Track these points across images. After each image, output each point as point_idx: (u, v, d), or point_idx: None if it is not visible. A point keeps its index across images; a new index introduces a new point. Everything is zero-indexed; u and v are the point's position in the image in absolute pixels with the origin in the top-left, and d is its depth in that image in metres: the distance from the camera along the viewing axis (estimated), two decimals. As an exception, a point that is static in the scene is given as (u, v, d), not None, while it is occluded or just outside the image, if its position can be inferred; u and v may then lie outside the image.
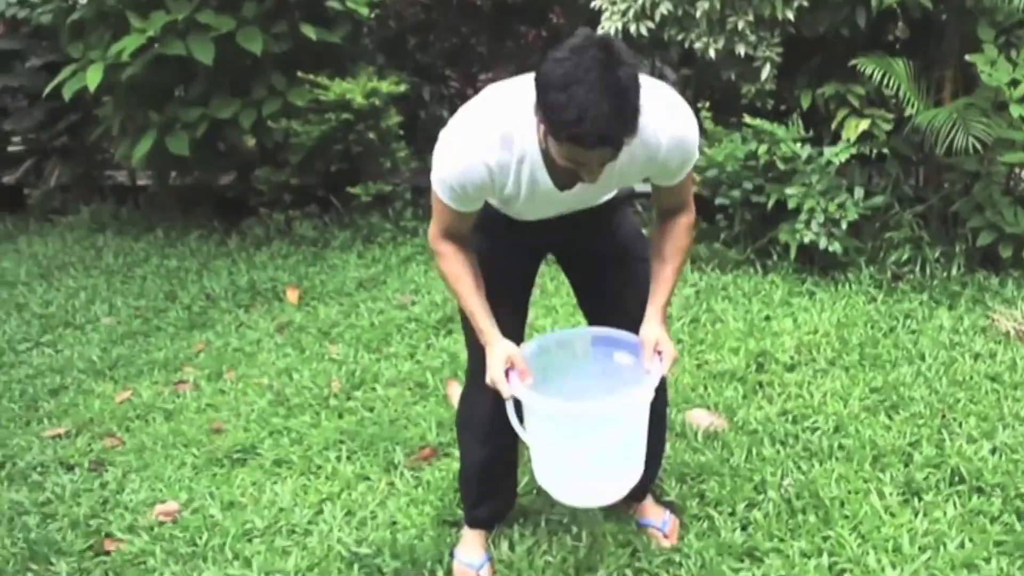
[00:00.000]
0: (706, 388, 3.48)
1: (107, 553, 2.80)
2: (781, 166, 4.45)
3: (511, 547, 2.61)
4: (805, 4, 4.54)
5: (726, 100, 5.07)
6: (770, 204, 4.49)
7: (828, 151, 4.46)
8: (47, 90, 5.86)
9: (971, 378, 3.49)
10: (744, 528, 2.67)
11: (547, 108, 1.75)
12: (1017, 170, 4.75)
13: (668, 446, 2.95)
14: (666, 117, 1.98)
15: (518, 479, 2.69)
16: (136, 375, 4.07)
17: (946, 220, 4.74)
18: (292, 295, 4.74)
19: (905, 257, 4.52)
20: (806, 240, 4.38)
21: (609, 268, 2.38)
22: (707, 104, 4.86)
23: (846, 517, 2.67)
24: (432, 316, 4.26)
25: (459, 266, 2.15)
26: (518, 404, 2.07)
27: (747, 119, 4.57)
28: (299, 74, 5.36)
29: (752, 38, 4.53)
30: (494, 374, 2.06)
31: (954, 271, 4.48)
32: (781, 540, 2.60)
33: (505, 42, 6.18)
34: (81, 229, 6.54)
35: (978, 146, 4.14)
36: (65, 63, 5.81)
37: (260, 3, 5.46)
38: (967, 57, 4.41)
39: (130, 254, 5.81)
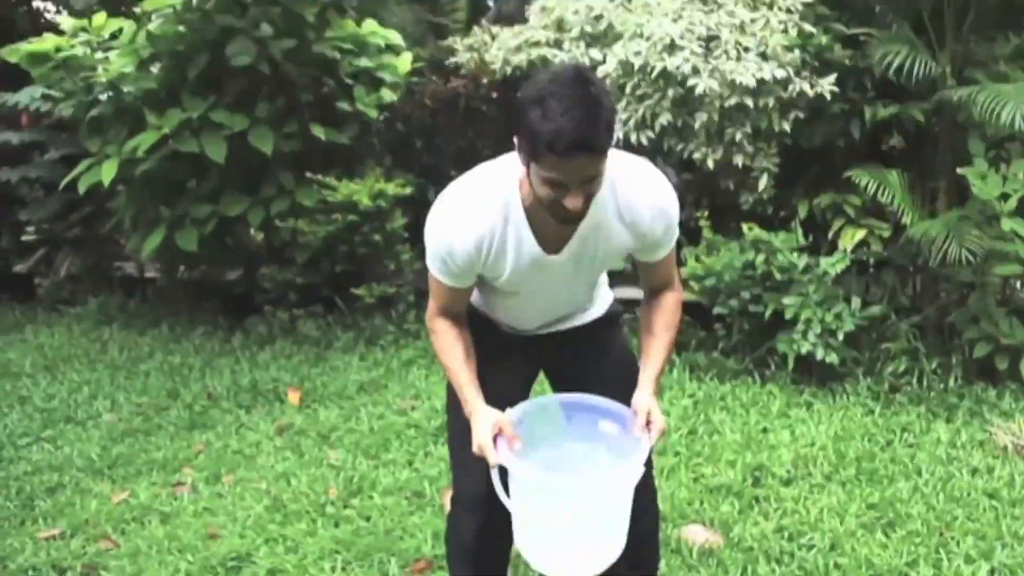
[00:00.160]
0: (702, 503, 3.47)
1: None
2: (778, 276, 4.52)
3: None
4: (801, 117, 4.68)
5: (726, 205, 5.17)
6: (768, 314, 4.54)
7: (824, 262, 4.53)
8: (63, 183, 6.02)
9: (969, 494, 3.48)
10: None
11: (525, 126, 1.81)
12: (1012, 281, 4.80)
13: (663, 563, 2.94)
14: (648, 184, 2.04)
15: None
16: (135, 475, 4.07)
17: (943, 330, 4.78)
18: (293, 397, 4.77)
19: (902, 368, 4.55)
20: (803, 351, 4.41)
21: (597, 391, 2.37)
22: (705, 213, 4.95)
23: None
24: (432, 423, 4.27)
25: (450, 340, 2.17)
26: (503, 473, 2.05)
27: (745, 229, 4.65)
28: (308, 174, 5.49)
29: (750, 149, 4.65)
30: (481, 440, 2.00)
31: (951, 382, 4.49)
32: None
33: (509, 146, 6.28)
34: (88, 321, 6.61)
35: (971, 258, 4.19)
36: (82, 156, 5.99)
37: (272, 103, 5.63)
38: (959, 170, 4.51)
39: (135, 348, 5.85)
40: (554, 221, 1.94)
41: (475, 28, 6.15)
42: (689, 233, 5.58)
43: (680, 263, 5.46)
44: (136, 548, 3.40)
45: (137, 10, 5.58)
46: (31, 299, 7.45)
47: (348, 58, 5.79)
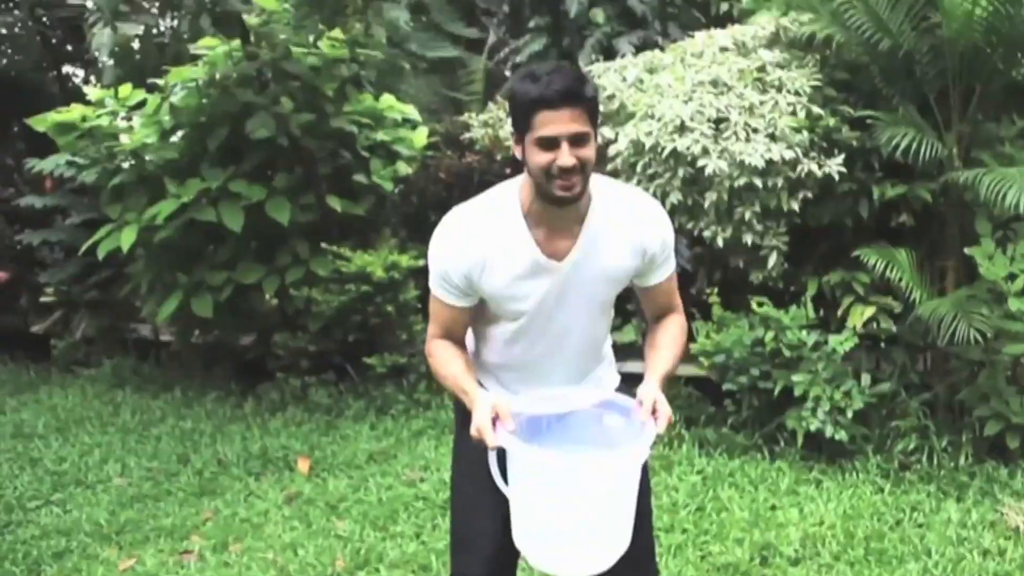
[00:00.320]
0: (709, 582, 3.46)
1: None
2: (787, 353, 4.54)
3: None
4: (810, 196, 4.74)
5: (736, 280, 5.21)
6: (777, 390, 4.55)
7: (833, 339, 4.55)
8: (83, 248, 6.13)
9: (979, 578, 3.46)
10: None
11: (516, 99, 2.00)
12: (1022, 359, 4.80)
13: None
14: (643, 200, 2.18)
15: None
16: (142, 542, 4.08)
17: (953, 408, 4.76)
18: (303, 465, 4.78)
19: (912, 446, 4.52)
20: (812, 428, 4.41)
21: None
22: (715, 290, 5.00)
23: None
24: (440, 495, 4.27)
25: (450, 354, 2.17)
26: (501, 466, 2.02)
27: (754, 305, 4.69)
28: (323, 245, 5.58)
29: (759, 228, 4.70)
30: (480, 422, 1.96)
31: (962, 461, 4.46)
32: None
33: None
34: (102, 383, 6.67)
35: (979, 338, 4.21)
36: (103, 221, 6.12)
37: (290, 174, 5.76)
38: (966, 250, 4.55)
39: (147, 412, 5.90)
40: (553, 207, 2.02)
41: (490, 104, 6.29)
42: (699, 306, 5.63)
43: (691, 338, 5.50)
44: (142, 618, 3.42)
45: (161, 82, 5.75)
46: (46, 360, 7.52)
47: (365, 132, 5.94)
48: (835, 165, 4.64)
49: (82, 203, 7.29)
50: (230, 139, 5.63)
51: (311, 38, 5.36)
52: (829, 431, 4.41)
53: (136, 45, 5.16)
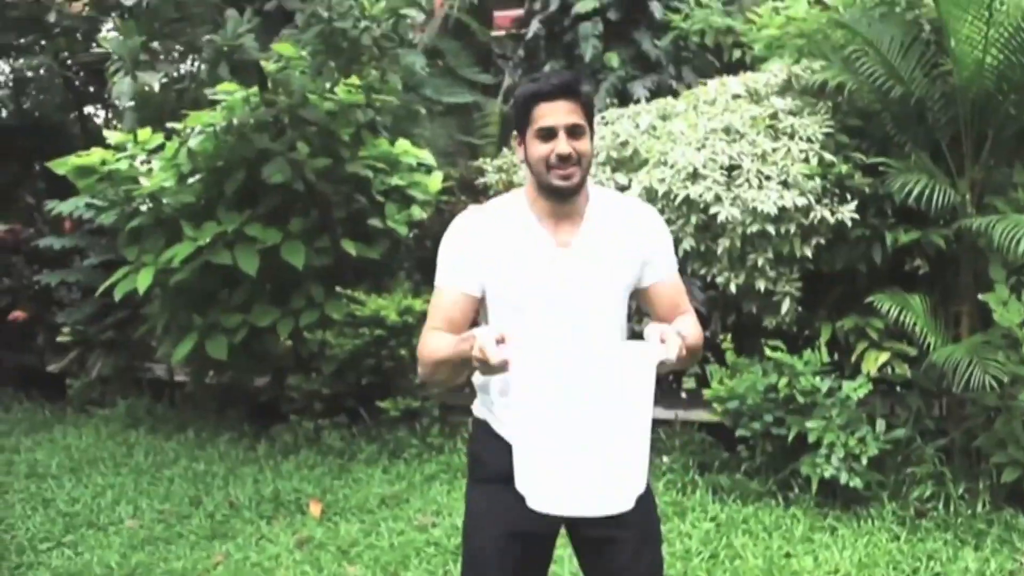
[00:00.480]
0: (722, 633, 3.43)
1: None
2: (801, 399, 4.52)
3: None
4: (823, 242, 4.75)
5: (750, 324, 5.21)
6: (791, 436, 4.53)
7: (847, 386, 4.53)
8: (101, 289, 6.19)
9: (997, 631, 3.41)
10: None
11: (518, 100, 2.15)
12: (1040, 405, 4.76)
13: None
14: (637, 200, 2.38)
15: None
16: (153, 586, 4.08)
17: (969, 454, 4.72)
18: (315, 509, 4.78)
19: (928, 493, 4.48)
20: (827, 475, 4.39)
21: (621, 552, 2.26)
22: (728, 336, 4.99)
23: None
24: (452, 540, 4.25)
25: (442, 335, 2.14)
26: None
27: (768, 352, 4.68)
28: (337, 288, 5.62)
29: (772, 274, 4.71)
30: (482, 342, 1.91)
31: (979, 508, 4.42)
32: None
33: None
34: (116, 423, 6.70)
35: (995, 384, 4.19)
36: (120, 262, 6.18)
37: (305, 218, 5.81)
38: (980, 296, 4.54)
39: (160, 453, 5.91)
40: (554, 200, 2.14)
41: (505, 149, 6.33)
42: (713, 350, 5.62)
43: (705, 383, 5.49)
44: (151, 664, 3.40)
45: (179, 126, 5.83)
46: (62, 399, 7.57)
47: (380, 176, 5.99)
48: (848, 211, 4.66)
49: (100, 244, 7.39)
50: (246, 183, 5.69)
51: (327, 84, 5.43)
52: (844, 478, 4.38)
53: (156, 87, 5.23)
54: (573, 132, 2.11)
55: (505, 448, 2.17)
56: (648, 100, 6.52)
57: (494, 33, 8.63)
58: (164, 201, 5.93)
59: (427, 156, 6.36)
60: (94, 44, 5.34)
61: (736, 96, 5.23)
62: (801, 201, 4.61)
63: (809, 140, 4.81)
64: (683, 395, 5.90)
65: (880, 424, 4.58)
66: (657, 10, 7.25)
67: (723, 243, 4.68)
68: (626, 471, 1.95)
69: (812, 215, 4.64)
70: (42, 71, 9.35)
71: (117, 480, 5.45)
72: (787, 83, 5.25)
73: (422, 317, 5.57)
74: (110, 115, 10.35)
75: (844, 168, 4.78)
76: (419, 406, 5.67)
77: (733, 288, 4.73)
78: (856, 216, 4.68)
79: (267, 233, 5.62)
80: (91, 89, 9.62)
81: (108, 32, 5.87)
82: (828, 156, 4.78)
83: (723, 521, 4.41)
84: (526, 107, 2.13)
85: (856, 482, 4.38)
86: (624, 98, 7.07)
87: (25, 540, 4.60)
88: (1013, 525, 4.28)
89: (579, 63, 7.37)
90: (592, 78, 7.32)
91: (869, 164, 4.86)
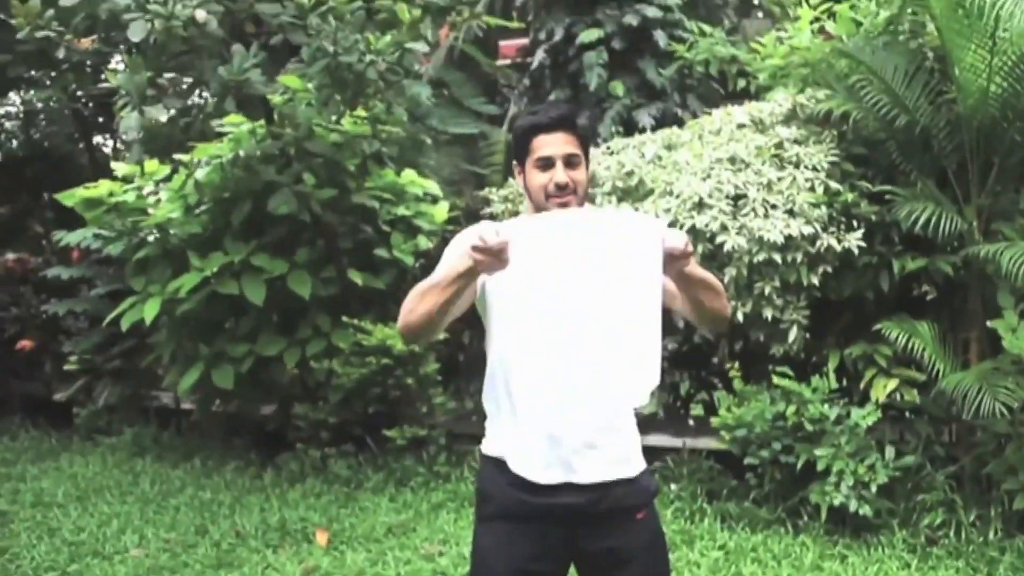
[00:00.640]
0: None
1: None
2: (809, 427, 4.51)
3: None
4: (830, 270, 4.75)
5: (758, 350, 5.20)
6: (800, 464, 4.51)
7: (856, 413, 4.52)
8: (108, 319, 6.21)
9: (1011, 662, 3.38)
10: None
11: (518, 133, 2.25)
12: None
13: None
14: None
15: None
16: (159, 617, 4.06)
17: (980, 481, 4.69)
18: (321, 538, 4.76)
19: (939, 520, 4.46)
20: (836, 502, 4.37)
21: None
22: (735, 364, 4.99)
23: None
24: (459, 570, 4.23)
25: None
26: None
27: (776, 380, 4.67)
28: (344, 318, 5.63)
29: (779, 302, 4.71)
30: (481, 231, 2.01)
31: (991, 535, 4.39)
32: None
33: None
34: (122, 451, 6.69)
35: (1004, 411, 4.17)
36: (127, 292, 6.21)
37: (312, 248, 5.83)
38: (989, 323, 4.53)
39: (166, 482, 5.90)
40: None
41: (510, 179, 6.35)
42: (721, 376, 5.61)
43: (712, 411, 5.47)
44: None
45: (186, 158, 5.86)
46: (68, 427, 7.58)
47: (386, 206, 6.02)
48: (854, 239, 4.66)
49: (107, 274, 7.43)
50: (253, 214, 5.72)
51: (333, 117, 5.47)
52: (853, 505, 4.36)
53: (163, 118, 5.28)
54: (570, 162, 2.20)
55: (513, 485, 2.18)
56: (653, 128, 6.54)
57: (499, 63, 8.69)
58: (171, 232, 5.96)
59: (433, 186, 6.39)
60: (103, 77, 5.38)
61: (741, 126, 5.25)
62: (807, 229, 4.61)
63: (815, 169, 4.82)
64: (691, 423, 5.89)
65: (889, 451, 4.56)
66: (661, 39, 7.29)
67: (730, 272, 4.68)
68: (638, 358, 1.98)
69: (819, 243, 4.65)
70: (52, 102, 9.43)
71: (123, 509, 5.44)
72: (792, 112, 5.28)
73: (428, 346, 5.65)
74: (118, 145, 10.44)
75: (850, 196, 4.79)
76: (426, 435, 5.66)
77: (740, 316, 4.72)
78: (863, 244, 4.68)
79: (274, 263, 5.64)
80: (100, 120, 9.70)
81: (117, 64, 5.92)
82: (834, 185, 4.79)
83: (732, 549, 4.38)
84: (525, 138, 2.22)
85: (866, 510, 4.35)
86: (629, 126, 7.10)
87: (30, 569, 4.58)
88: (1026, 553, 4.25)
89: (584, 92, 7.41)
90: (597, 107, 7.36)
91: (875, 192, 4.87)
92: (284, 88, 5.46)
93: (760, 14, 8.87)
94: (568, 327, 2.09)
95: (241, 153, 5.66)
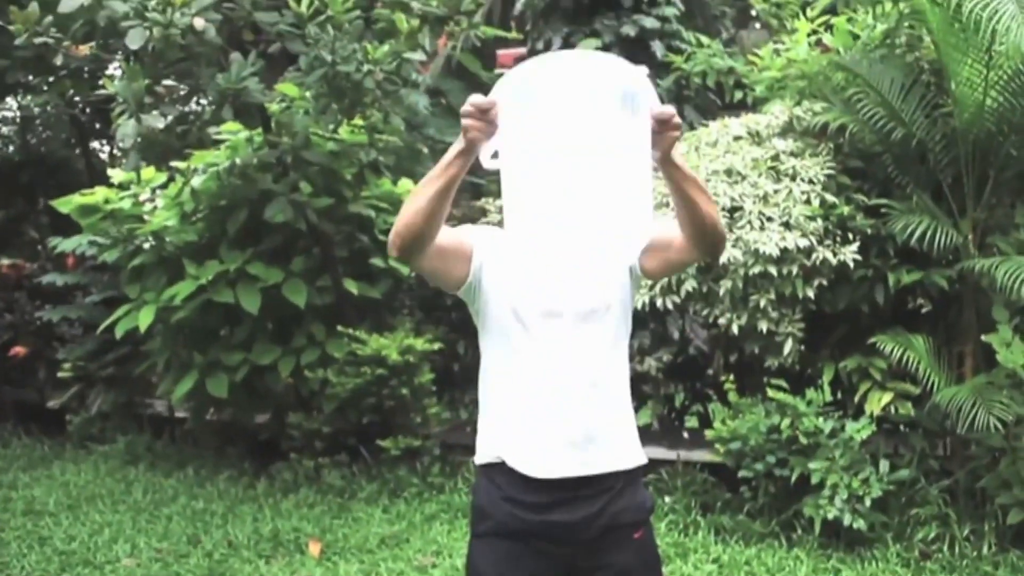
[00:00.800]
0: None
1: None
2: (804, 440, 4.50)
3: None
4: (825, 283, 4.75)
5: (753, 363, 5.21)
6: (794, 477, 4.51)
7: (850, 427, 4.52)
8: (102, 327, 6.19)
9: (1005, 677, 3.37)
10: None
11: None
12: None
13: None
14: None
15: None
16: (150, 628, 4.03)
17: (974, 495, 4.69)
18: (314, 549, 4.74)
19: (933, 534, 4.46)
20: (830, 516, 4.36)
21: None
22: (730, 377, 4.99)
23: None
24: (451, 582, 4.24)
25: None
26: None
27: (770, 392, 4.67)
28: (339, 327, 5.62)
29: (774, 315, 4.71)
30: (472, 98, 1.95)
31: (985, 550, 4.39)
32: None
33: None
34: (115, 460, 6.66)
35: (999, 425, 4.17)
36: (122, 299, 6.19)
37: (307, 257, 5.83)
38: (983, 337, 4.53)
39: (159, 491, 5.87)
40: None
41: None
42: (715, 388, 5.61)
43: (707, 423, 5.47)
44: None
45: (182, 166, 5.86)
46: (61, 435, 7.54)
47: (383, 216, 6.00)
48: (850, 252, 4.67)
49: (102, 281, 7.41)
50: (249, 222, 5.71)
51: (330, 126, 5.47)
52: (847, 519, 4.35)
53: (160, 126, 5.28)
54: None
55: (508, 500, 2.17)
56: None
57: (496, 71, 8.69)
58: (167, 239, 5.95)
59: (430, 195, 6.37)
60: (100, 84, 5.37)
61: (737, 138, 5.25)
62: (803, 242, 4.62)
63: (811, 181, 4.83)
64: (685, 435, 5.88)
65: (884, 465, 4.56)
66: (659, 50, 7.30)
67: (725, 284, 4.68)
68: (628, 210, 1.95)
69: (814, 256, 4.65)
70: (49, 108, 9.43)
71: (115, 518, 5.41)
72: (788, 125, 5.28)
73: (423, 356, 5.65)
74: (115, 152, 10.43)
75: (846, 209, 4.80)
76: (420, 445, 5.64)
77: (735, 329, 4.73)
78: (858, 257, 4.69)
79: (269, 272, 5.63)
80: (96, 126, 9.70)
81: (114, 70, 5.92)
82: (830, 197, 4.80)
83: (725, 562, 4.38)
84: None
85: (860, 523, 4.35)
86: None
87: (20, 580, 4.57)
88: (1019, 567, 4.25)
89: (581, 101, 7.39)
90: (594, 116, 7.34)
91: (871, 205, 4.88)
92: (282, 96, 5.45)
93: (757, 26, 8.89)
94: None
95: (238, 161, 5.64)
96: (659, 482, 5.13)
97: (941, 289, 4.76)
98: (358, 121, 5.69)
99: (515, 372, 2.18)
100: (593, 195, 1.93)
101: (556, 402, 2.14)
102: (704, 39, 6.81)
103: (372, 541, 4.82)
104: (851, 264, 4.67)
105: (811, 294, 4.70)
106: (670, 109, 1.98)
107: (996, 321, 4.55)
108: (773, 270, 4.62)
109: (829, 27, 5.31)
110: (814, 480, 4.44)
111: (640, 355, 5.37)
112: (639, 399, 5.39)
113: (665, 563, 4.07)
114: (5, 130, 10.74)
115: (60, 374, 7.56)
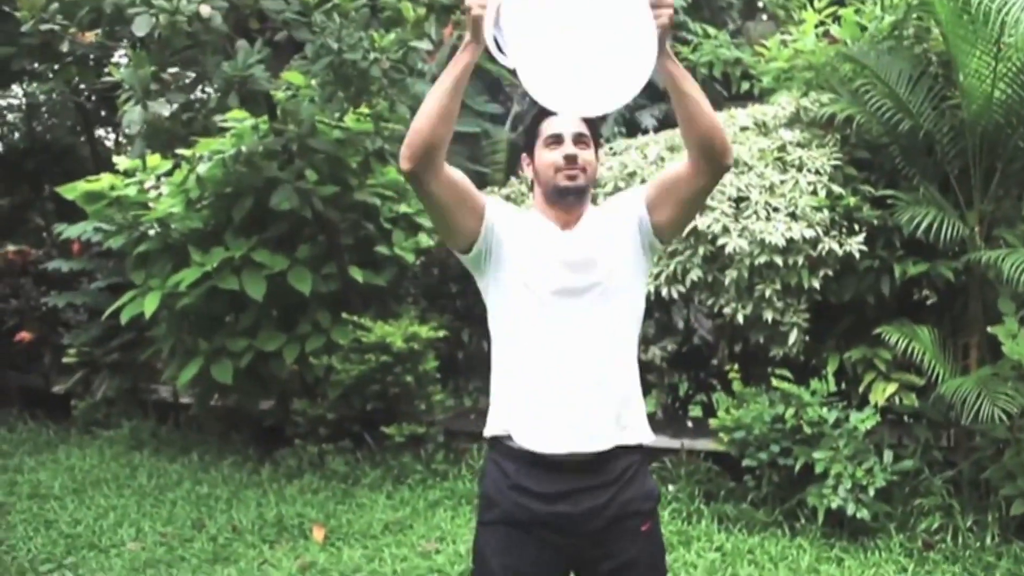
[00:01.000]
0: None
1: None
2: (808, 430, 4.51)
3: None
4: (831, 273, 4.75)
5: (757, 353, 5.21)
6: (798, 467, 4.51)
7: (854, 417, 4.52)
8: (107, 312, 6.21)
9: (1008, 668, 3.37)
10: None
11: (531, 123, 2.29)
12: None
13: None
14: None
15: None
16: (155, 611, 4.05)
17: (978, 486, 4.69)
18: (318, 534, 4.75)
19: (936, 525, 4.46)
20: (833, 505, 4.36)
21: None
22: (735, 366, 4.99)
23: None
24: (455, 567, 4.23)
25: None
26: None
27: (775, 382, 4.67)
28: (344, 315, 5.63)
29: (779, 305, 4.71)
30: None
31: (988, 541, 4.38)
32: None
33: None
34: (120, 444, 6.69)
35: (1003, 417, 4.17)
36: (127, 285, 6.21)
37: (313, 244, 5.83)
38: (989, 329, 4.53)
39: (163, 476, 5.90)
40: (560, 204, 2.22)
41: (513, 178, 6.36)
42: (720, 378, 5.61)
43: (711, 412, 5.48)
44: None
45: (188, 153, 5.86)
46: (66, 420, 7.57)
47: (388, 204, 6.02)
48: (856, 243, 4.66)
49: (107, 267, 7.44)
50: (254, 209, 5.72)
51: (336, 114, 5.47)
52: (851, 509, 4.36)
53: (165, 113, 5.28)
54: (579, 140, 2.22)
55: (515, 489, 2.18)
56: (656, 130, 6.55)
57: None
58: (172, 226, 5.97)
59: (436, 184, 6.37)
60: (106, 71, 5.38)
61: (744, 128, 5.25)
62: (809, 233, 4.62)
63: (817, 172, 4.83)
64: (689, 424, 5.89)
65: (888, 455, 4.56)
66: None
67: (731, 274, 4.68)
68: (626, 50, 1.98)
69: (820, 247, 4.65)
70: (55, 95, 9.44)
71: (120, 502, 5.44)
72: (795, 116, 5.28)
73: (428, 344, 5.65)
74: (120, 139, 10.45)
75: (852, 200, 4.80)
76: (424, 432, 5.66)
77: (740, 319, 4.73)
78: (864, 248, 4.68)
79: (274, 259, 5.64)
80: (102, 113, 9.71)
81: (120, 58, 5.92)
82: (836, 188, 4.80)
83: (729, 551, 4.38)
84: (535, 122, 2.26)
85: (863, 513, 4.35)
86: (632, 127, 7.10)
87: (26, 562, 4.57)
88: (1022, 558, 4.25)
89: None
90: (600, 107, 7.34)
91: (877, 196, 4.87)
92: (287, 84, 5.45)
93: (764, 17, 8.88)
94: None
95: (243, 149, 5.65)
96: (663, 471, 5.14)
97: (947, 280, 4.75)
98: (364, 109, 5.69)
99: (524, 349, 2.19)
100: (599, 64, 1.99)
101: (565, 379, 2.16)
102: (711, 30, 6.80)
103: (376, 527, 4.83)
104: (857, 255, 4.67)
105: (817, 284, 4.70)
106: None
107: (1002, 313, 4.54)
108: (779, 260, 4.62)
109: (836, 18, 5.30)
110: (818, 470, 4.44)
111: (645, 344, 5.37)
112: (643, 388, 5.36)
113: (668, 551, 4.08)
114: (11, 117, 10.77)
115: (65, 360, 7.59)
